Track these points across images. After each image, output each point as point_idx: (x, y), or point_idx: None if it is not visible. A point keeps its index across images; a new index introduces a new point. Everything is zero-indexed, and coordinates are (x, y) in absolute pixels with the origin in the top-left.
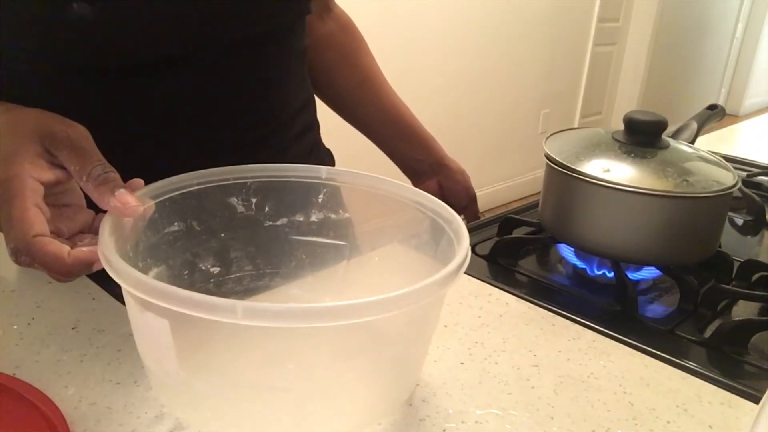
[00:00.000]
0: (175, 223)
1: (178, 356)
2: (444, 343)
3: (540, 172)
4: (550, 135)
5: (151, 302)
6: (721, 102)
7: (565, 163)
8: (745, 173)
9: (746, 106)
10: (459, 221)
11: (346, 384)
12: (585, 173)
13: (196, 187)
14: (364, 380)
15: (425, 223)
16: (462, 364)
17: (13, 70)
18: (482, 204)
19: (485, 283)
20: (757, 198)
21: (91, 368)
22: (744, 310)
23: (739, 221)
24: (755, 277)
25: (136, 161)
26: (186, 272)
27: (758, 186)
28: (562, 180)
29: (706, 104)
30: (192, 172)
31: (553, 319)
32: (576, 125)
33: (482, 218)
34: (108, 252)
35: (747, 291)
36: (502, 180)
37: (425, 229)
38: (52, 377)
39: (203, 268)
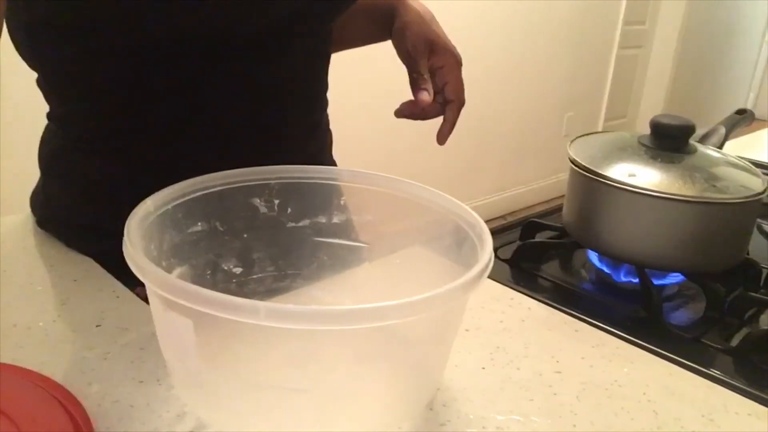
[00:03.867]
0: (199, 224)
1: (201, 355)
2: (465, 348)
3: (563, 176)
4: (575, 138)
5: (175, 301)
6: (749, 106)
7: (590, 167)
8: None
9: None
10: (482, 225)
11: (367, 387)
12: (610, 177)
13: (219, 188)
14: (385, 384)
15: (448, 227)
16: (483, 369)
17: (60, 47)
18: (505, 207)
19: (507, 288)
20: None
21: (115, 366)
22: None
23: None
24: None
25: (195, 142)
26: (209, 272)
27: None
28: (587, 184)
29: (734, 108)
30: (215, 173)
31: (576, 324)
32: (600, 129)
33: (505, 221)
34: (133, 250)
35: None
36: (524, 183)
37: (448, 232)
38: (76, 374)
39: (226, 268)
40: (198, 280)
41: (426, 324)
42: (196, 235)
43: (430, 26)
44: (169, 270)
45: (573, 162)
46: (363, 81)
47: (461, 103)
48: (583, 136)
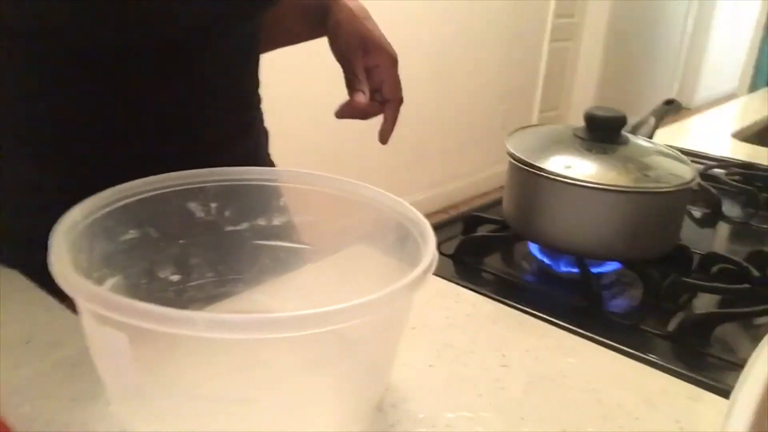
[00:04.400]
0: (132, 231)
1: (138, 370)
2: (412, 345)
3: (502, 167)
4: (513, 132)
5: (108, 316)
6: (674, 95)
7: (527, 160)
8: (701, 166)
9: (697, 99)
10: (424, 222)
11: (314, 393)
12: (547, 170)
13: (152, 193)
14: (333, 388)
15: (390, 225)
16: (431, 366)
17: None
18: (445, 200)
19: (452, 283)
20: (713, 190)
21: (47, 384)
22: (704, 302)
23: (697, 214)
24: (715, 269)
25: (123, 147)
26: (144, 281)
27: (714, 179)
28: (525, 177)
29: (661, 98)
30: (147, 177)
31: (521, 317)
32: (534, 120)
33: (446, 215)
34: (60, 263)
35: (709, 284)
36: (463, 176)
37: (390, 230)
38: (5, 395)
39: (162, 276)
40: (133, 290)
41: (372, 325)
42: (129, 243)
43: (364, 24)
44: (100, 281)
45: (511, 155)
46: (296, 75)
47: (399, 101)
48: (520, 129)
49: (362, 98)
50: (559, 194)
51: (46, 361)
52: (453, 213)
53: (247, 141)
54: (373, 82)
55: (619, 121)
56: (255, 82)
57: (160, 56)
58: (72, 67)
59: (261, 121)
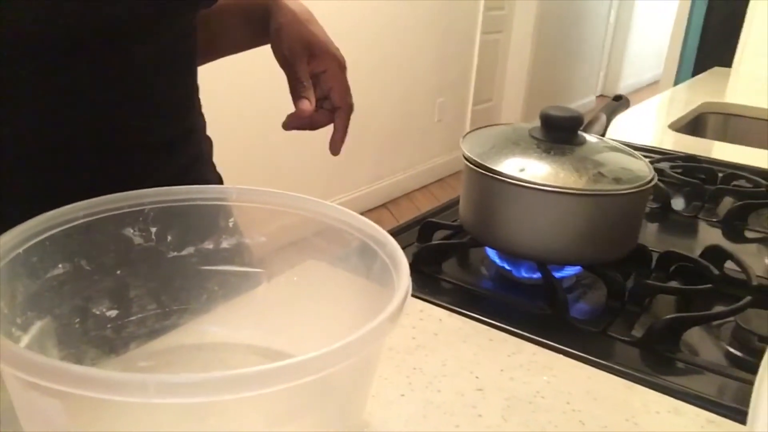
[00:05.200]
0: (60, 265)
1: None
2: (381, 373)
3: (439, 161)
4: (467, 133)
5: (38, 384)
6: (599, 86)
7: (483, 163)
8: (647, 159)
9: (622, 88)
10: (393, 243)
11: None
12: (503, 173)
13: (82, 220)
14: None
15: (353, 245)
16: (403, 396)
17: None
18: (384, 195)
19: (414, 298)
20: (662, 185)
21: None
22: (664, 302)
23: (646, 209)
24: (673, 267)
25: (48, 165)
26: (77, 320)
27: (660, 172)
28: (481, 180)
29: (589, 87)
30: (76, 203)
31: (489, 332)
32: (469, 113)
33: (399, 223)
34: None
35: (674, 286)
36: (402, 170)
37: (353, 251)
38: None
39: (98, 312)
40: (64, 331)
41: (347, 368)
42: (58, 279)
43: (308, 28)
44: (25, 327)
45: (466, 158)
46: (224, 79)
47: (349, 108)
48: (475, 130)
49: (307, 105)
50: (515, 198)
51: None
52: (392, 208)
53: (187, 148)
54: (320, 90)
55: (576, 121)
56: (192, 86)
57: (87, 55)
58: None
59: (203, 128)
